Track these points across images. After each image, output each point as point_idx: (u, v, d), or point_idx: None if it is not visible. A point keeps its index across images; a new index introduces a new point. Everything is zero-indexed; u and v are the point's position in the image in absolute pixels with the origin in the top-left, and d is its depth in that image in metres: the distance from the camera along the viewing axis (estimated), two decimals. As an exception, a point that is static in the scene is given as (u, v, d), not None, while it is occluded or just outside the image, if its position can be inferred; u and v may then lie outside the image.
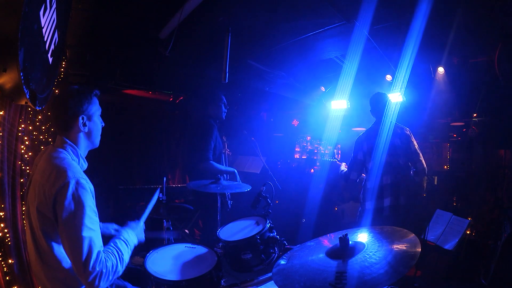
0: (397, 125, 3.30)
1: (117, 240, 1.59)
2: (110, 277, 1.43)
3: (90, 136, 1.67)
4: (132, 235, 1.68)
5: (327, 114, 5.74)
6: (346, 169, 3.48)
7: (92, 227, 1.42)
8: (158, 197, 2.68)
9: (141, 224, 1.83)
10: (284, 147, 6.47)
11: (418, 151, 3.23)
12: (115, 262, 1.47)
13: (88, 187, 1.47)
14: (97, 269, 1.37)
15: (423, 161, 3.22)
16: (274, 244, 2.18)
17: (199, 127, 3.50)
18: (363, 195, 3.29)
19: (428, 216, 3.63)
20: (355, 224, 3.38)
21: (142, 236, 1.78)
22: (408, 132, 3.28)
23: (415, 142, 3.26)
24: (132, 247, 1.65)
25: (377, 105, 3.36)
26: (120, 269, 1.49)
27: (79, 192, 1.41)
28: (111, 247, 1.53)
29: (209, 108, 3.60)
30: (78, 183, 1.43)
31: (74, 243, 1.37)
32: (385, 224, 2.98)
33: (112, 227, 1.92)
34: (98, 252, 1.40)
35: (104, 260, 1.41)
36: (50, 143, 2.92)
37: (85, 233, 1.38)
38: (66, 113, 1.58)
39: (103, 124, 1.73)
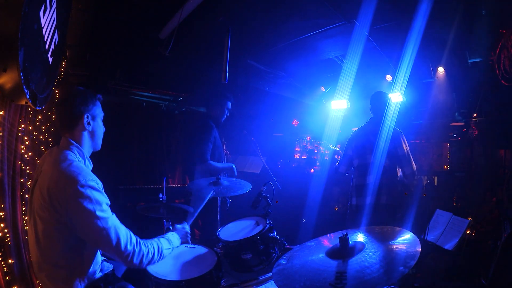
0: (389, 127, 3.25)
1: (161, 237, 1.75)
2: (144, 260, 1.57)
3: (94, 136, 1.69)
4: (175, 237, 1.84)
5: (327, 114, 5.74)
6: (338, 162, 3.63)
7: (111, 216, 1.52)
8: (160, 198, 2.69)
9: (187, 226, 2.00)
10: (284, 147, 6.46)
11: (407, 155, 3.19)
12: (152, 250, 1.61)
13: (98, 186, 1.52)
14: (129, 249, 1.51)
15: (413, 164, 3.20)
16: (274, 244, 2.18)
17: (198, 128, 3.49)
18: (350, 191, 3.41)
19: (428, 216, 3.62)
20: (344, 219, 3.48)
21: (187, 238, 1.95)
22: (397, 134, 3.22)
23: (404, 146, 3.20)
24: (174, 247, 1.80)
25: (377, 104, 3.36)
26: (156, 259, 1.64)
27: (92, 193, 1.46)
28: (155, 240, 1.68)
29: (211, 108, 3.59)
30: (89, 186, 1.46)
31: (102, 235, 1.46)
32: (367, 220, 3.09)
33: None
34: (126, 233, 1.53)
35: (136, 241, 1.55)
36: (50, 143, 2.93)
37: (109, 223, 1.48)
38: (72, 110, 1.60)
39: (104, 129, 1.77)
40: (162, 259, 1.69)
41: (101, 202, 1.48)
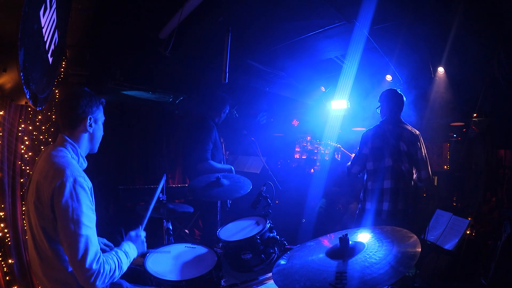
0: (406, 128, 3.11)
1: (118, 250, 1.61)
2: (106, 280, 1.45)
3: (93, 139, 1.70)
4: (132, 248, 1.69)
5: (327, 114, 5.74)
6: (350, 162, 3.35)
7: (90, 225, 1.44)
8: (158, 197, 2.68)
9: (142, 233, 1.82)
10: (284, 147, 6.46)
11: (425, 159, 3.04)
12: (113, 267, 1.49)
13: (86, 185, 1.48)
14: (94, 268, 1.39)
15: (429, 169, 3.05)
16: (274, 244, 2.18)
17: (198, 127, 3.50)
18: (363, 194, 3.21)
19: (428, 216, 3.62)
20: (354, 222, 3.34)
21: (144, 247, 1.79)
22: (417, 137, 3.08)
23: (423, 149, 3.07)
24: (132, 259, 1.67)
25: (391, 102, 3.15)
26: (117, 276, 1.51)
27: (76, 190, 1.43)
28: (112, 254, 1.55)
29: (210, 110, 3.60)
30: (75, 181, 1.44)
31: (71, 240, 1.38)
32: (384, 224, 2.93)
33: (101, 241, 1.92)
34: (96, 251, 1.42)
35: (102, 261, 1.43)
36: (50, 143, 2.93)
37: (82, 231, 1.39)
38: (76, 110, 1.60)
39: (103, 133, 1.77)
40: (121, 275, 1.55)
41: (82, 203, 1.43)
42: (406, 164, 3.01)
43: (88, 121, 1.63)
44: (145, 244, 1.81)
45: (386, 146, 3.04)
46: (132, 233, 1.78)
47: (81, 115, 1.61)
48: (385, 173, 3.03)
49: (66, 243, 1.40)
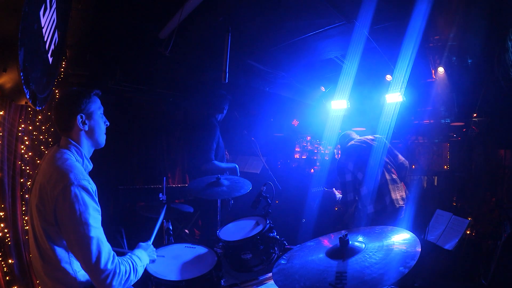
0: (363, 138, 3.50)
1: (131, 255, 1.63)
2: (123, 282, 1.44)
3: (93, 135, 1.65)
4: (144, 255, 1.71)
5: (327, 114, 5.74)
6: (341, 195, 3.53)
7: (98, 226, 1.43)
8: (161, 200, 2.69)
9: (151, 244, 1.87)
10: (284, 147, 6.47)
11: (391, 148, 3.43)
12: (129, 269, 1.49)
13: (91, 188, 1.46)
14: (110, 267, 1.38)
15: (398, 153, 3.43)
16: (274, 244, 2.18)
17: (201, 127, 3.52)
18: (363, 201, 3.29)
19: (428, 216, 3.62)
20: (351, 222, 3.44)
21: (154, 256, 1.84)
22: (375, 138, 3.46)
23: (386, 142, 3.47)
24: (145, 265, 1.68)
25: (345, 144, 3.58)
26: (133, 279, 1.51)
27: (81, 193, 1.41)
28: (126, 257, 1.57)
29: (211, 108, 3.63)
30: (79, 185, 1.42)
31: (82, 244, 1.37)
32: (390, 221, 3.10)
33: None
34: (109, 251, 1.41)
35: (118, 262, 1.43)
36: (50, 143, 2.93)
37: (92, 233, 1.38)
38: (64, 112, 1.59)
39: (108, 124, 1.73)
40: (137, 279, 1.56)
41: (88, 205, 1.41)
42: (384, 159, 3.38)
43: (80, 119, 1.58)
44: (155, 253, 1.87)
45: (362, 157, 3.33)
46: (142, 244, 1.81)
47: (70, 116, 1.57)
48: (370, 177, 3.25)
49: (76, 247, 1.39)
